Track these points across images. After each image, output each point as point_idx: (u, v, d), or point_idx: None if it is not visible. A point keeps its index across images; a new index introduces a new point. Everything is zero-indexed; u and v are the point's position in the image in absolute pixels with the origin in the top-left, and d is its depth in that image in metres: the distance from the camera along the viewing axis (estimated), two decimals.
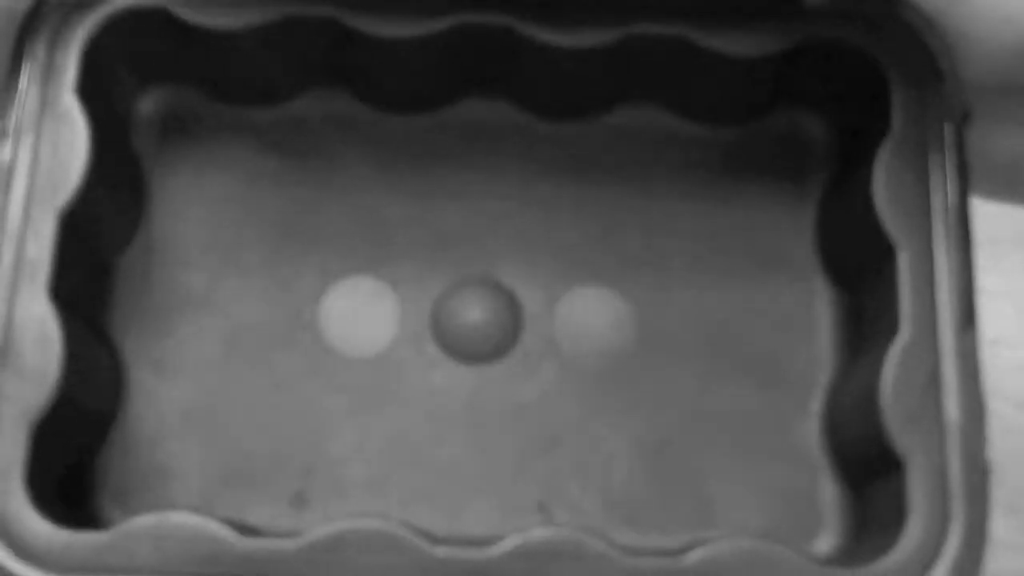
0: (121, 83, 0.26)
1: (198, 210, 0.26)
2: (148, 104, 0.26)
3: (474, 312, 0.25)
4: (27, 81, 0.23)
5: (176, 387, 0.25)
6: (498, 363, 0.25)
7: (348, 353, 0.25)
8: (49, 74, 0.23)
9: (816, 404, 0.25)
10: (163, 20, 0.24)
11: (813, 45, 0.24)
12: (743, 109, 0.26)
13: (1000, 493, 0.30)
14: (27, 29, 0.24)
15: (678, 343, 0.25)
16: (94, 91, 0.24)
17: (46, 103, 0.23)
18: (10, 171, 0.23)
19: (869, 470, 0.23)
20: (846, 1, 0.24)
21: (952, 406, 0.22)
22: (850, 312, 0.25)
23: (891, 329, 0.22)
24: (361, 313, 0.25)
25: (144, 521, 0.21)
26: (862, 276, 0.24)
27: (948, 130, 0.23)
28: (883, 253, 0.23)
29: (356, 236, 0.26)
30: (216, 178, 0.26)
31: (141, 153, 0.26)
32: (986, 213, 0.36)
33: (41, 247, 0.22)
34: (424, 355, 0.25)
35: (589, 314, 0.25)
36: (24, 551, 0.21)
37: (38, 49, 0.24)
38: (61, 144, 0.23)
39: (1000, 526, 0.29)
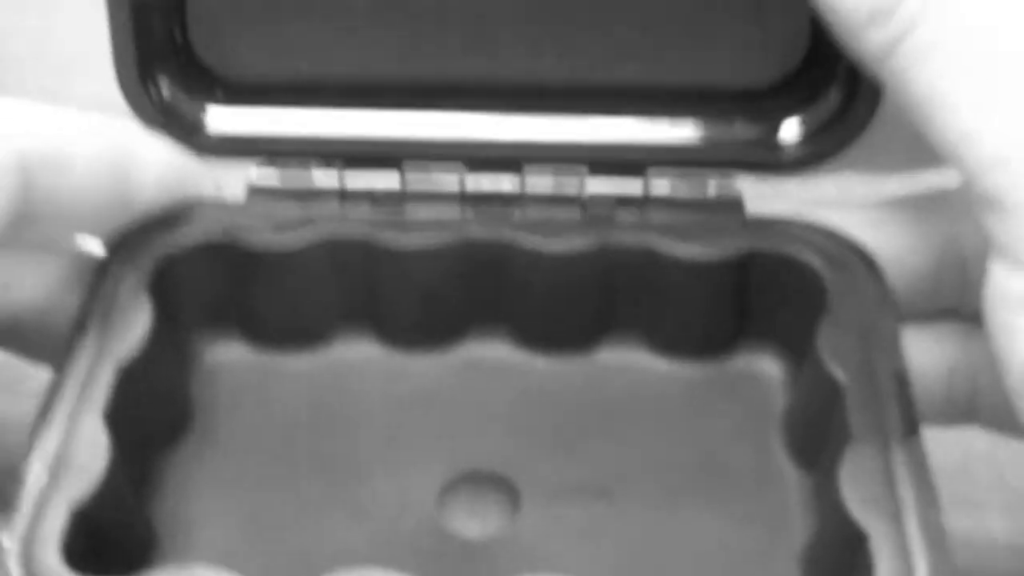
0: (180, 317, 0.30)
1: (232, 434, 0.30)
2: (200, 345, 0.31)
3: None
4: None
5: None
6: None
7: None
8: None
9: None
10: (224, 249, 0.30)
11: (760, 254, 0.29)
12: (710, 345, 0.31)
13: (1000, 494, 0.31)
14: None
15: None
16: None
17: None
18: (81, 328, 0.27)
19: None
20: (784, 220, 0.30)
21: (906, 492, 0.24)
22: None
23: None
24: None
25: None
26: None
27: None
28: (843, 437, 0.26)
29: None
30: (254, 412, 0.30)
31: (190, 380, 0.30)
32: None
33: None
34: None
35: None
36: None
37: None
38: (127, 319, 0.28)
39: (1000, 527, 0.30)
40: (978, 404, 0.30)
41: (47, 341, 0.30)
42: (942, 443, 0.31)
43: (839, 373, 0.27)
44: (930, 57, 0.23)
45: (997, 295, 0.24)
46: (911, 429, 0.26)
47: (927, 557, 0.23)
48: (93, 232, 0.30)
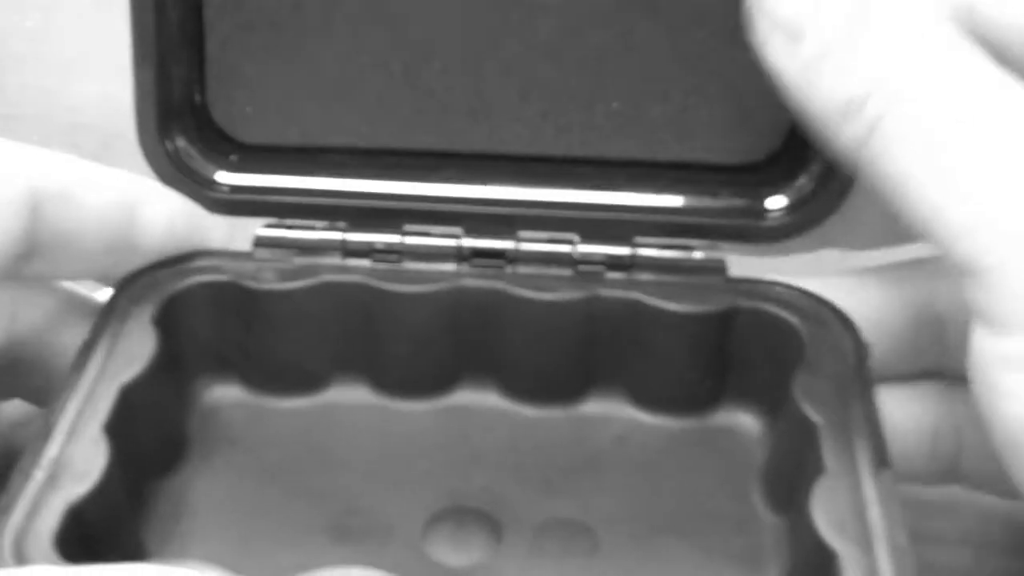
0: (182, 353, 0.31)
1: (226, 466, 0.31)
2: (199, 384, 0.32)
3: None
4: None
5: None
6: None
7: None
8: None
9: None
10: (229, 291, 0.31)
11: (741, 310, 0.31)
12: (692, 401, 0.32)
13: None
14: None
15: None
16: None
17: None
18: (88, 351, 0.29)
19: None
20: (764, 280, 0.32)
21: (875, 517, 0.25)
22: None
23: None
24: None
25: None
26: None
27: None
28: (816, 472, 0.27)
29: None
30: (248, 448, 0.31)
31: (189, 411, 0.32)
32: None
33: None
34: None
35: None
36: None
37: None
38: (132, 346, 0.29)
39: (999, 527, 0.32)
40: (962, 464, 0.31)
41: (43, 378, 0.31)
42: None
43: (813, 414, 0.28)
44: (898, 144, 0.25)
45: (980, 358, 0.25)
46: (881, 463, 0.27)
47: None
48: (97, 275, 0.32)
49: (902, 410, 0.31)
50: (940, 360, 0.31)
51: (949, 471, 0.31)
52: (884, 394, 0.30)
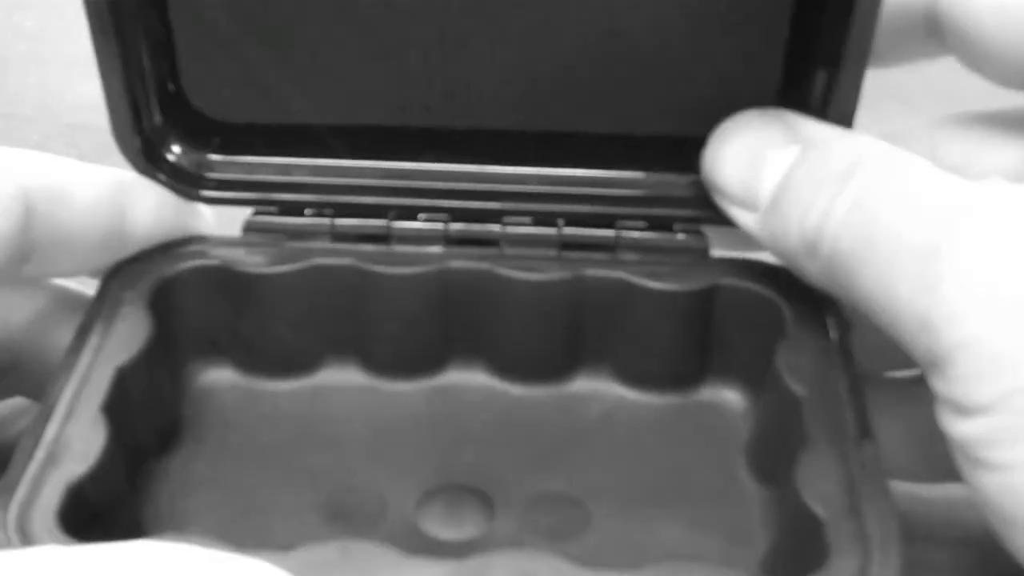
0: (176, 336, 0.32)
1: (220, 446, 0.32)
2: (192, 367, 0.33)
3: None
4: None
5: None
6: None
7: None
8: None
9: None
10: (221, 275, 0.32)
11: (723, 287, 0.32)
12: (677, 378, 0.33)
13: None
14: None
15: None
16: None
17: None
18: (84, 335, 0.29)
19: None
20: (746, 260, 0.32)
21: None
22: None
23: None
24: None
25: None
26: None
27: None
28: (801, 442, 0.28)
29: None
30: (242, 429, 0.32)
31: (183, 393, 0.32)
32: None
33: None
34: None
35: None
36: None
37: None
38: (127, 329, 0.30)
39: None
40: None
41: (41, 375, 0.31)
42: None
43: (796, 388, 0.29)
44: (856, 266, 0.28)
45: (953, 439, 0.27)
46: (864, 433, 0.27)
47: (880, 544, 0.25)
48: (91, 271, 0.32)
49: (899, 409, 0.32)
50: None
51: (948, 470, 0.32)
52: (880, 392, 0.31)
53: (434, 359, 0.33)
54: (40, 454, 0.26)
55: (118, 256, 0.32)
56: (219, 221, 0.34)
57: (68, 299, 0.33)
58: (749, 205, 0.30)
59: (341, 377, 0.33)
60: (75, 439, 0.27)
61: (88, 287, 0.33)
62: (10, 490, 0.25)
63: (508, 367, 0.33)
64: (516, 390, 0.33)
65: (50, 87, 0.51)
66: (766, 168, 0.30)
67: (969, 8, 0.30)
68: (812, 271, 0.29)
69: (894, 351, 0.32)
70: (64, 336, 0.31)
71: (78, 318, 0.31)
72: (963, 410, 0.26)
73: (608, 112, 0.33)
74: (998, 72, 0.31)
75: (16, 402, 0.34)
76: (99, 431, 0.27)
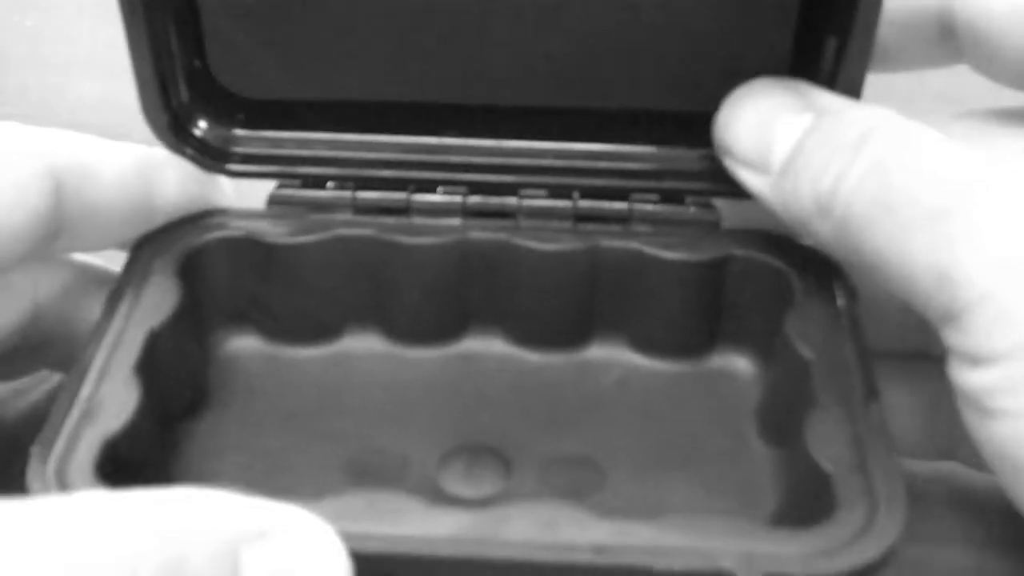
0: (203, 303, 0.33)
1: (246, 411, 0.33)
2: (218, 336, 0.34)
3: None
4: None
5: None
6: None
7: None
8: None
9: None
10: (246, 245, 0.33)
11: (735, 257, 0.33)
12: (689, 346, 0.34)
13: None
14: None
15: None
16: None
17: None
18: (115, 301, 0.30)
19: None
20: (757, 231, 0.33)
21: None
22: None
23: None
24: None
25: None
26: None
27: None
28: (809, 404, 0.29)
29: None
30: (267, 394, 0.33)
31: (209, 360, 0.33)
32: None
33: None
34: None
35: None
36: None
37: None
38: (157, 295, 0.31)
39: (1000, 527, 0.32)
40: (957, 442, 0.33)
41: (66, 348, 0.32)
42: None
43: (805, 351, 0.30)
44: (869, 227, 0.28)
45: (964, 391, 0.28)
46: (871, 394, 0.28)
47: (886, 498, 0.26)
48: (118, 244, 0.33)
49: (900, 384, 0.33)
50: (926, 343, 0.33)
51: (946, 448, 0.33)
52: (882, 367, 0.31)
53: (453, 327, 0.34)
54: (76, 411, 0.27)
55: (145, 229, 0.33)
56: (239, 197, 0.35)
57: (93, 275, 0.34)
58: (761, 168, 0.31)
59: (363, 344, 0.34)
60: (109, 397, 0.28)
61: (113, 263, 0.34)
62: (48, 445, 0.26)
63: (525, 335, 0.34)
64: (533, 357, 0.34)
65: (50, 87, 0.51)
66: (779, 132, 0.31)
67: (983, 9, 0.31)
68: (823, 233, 0.30)
69: (891, 328, 0.33)
70: (89, 311, 0.32)
71: (101, 292, 0.32)
72: (977, 360, 0.27)
73: (621, 88, 0.34)
74: (1012, 74, 0.32)
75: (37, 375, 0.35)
76: (132, 390, 0.28)
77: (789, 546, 0.24)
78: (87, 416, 0.27)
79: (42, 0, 0.56)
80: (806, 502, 0.28)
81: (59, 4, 0.55)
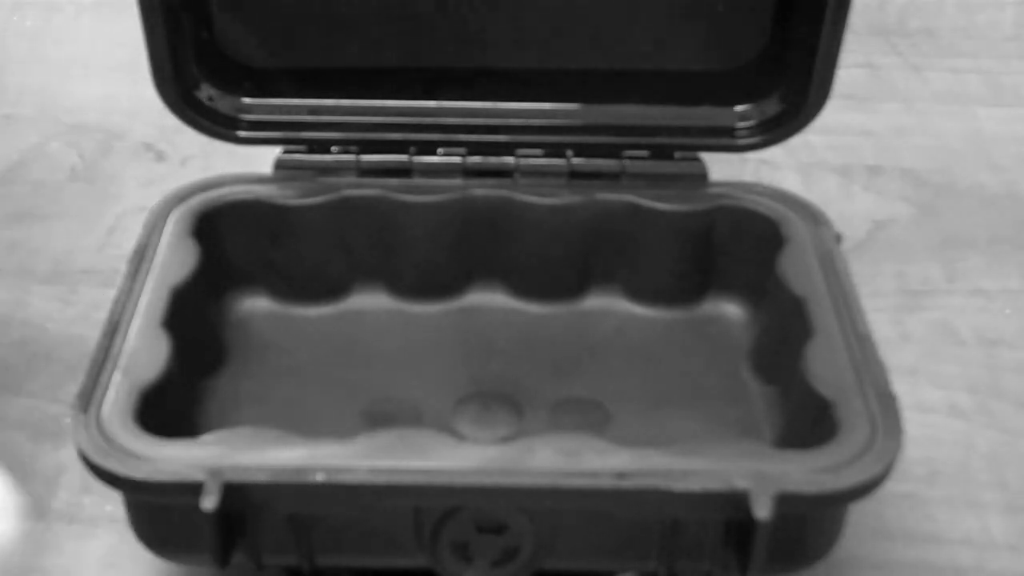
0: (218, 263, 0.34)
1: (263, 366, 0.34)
2: (232, 298, 0.35)
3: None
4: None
5: None
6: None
7: None
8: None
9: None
10: (257, 207, 0.34)
11: (725, 208, 0.34)
12: (682, 295, 0.36)
13: (1000, 494, 0.34)
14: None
15: None
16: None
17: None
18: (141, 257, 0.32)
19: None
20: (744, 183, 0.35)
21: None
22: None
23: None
24: None
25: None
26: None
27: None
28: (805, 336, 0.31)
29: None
30: (282, 351, 0.35)
31: (226, 320, 0.35)
32: (986, 214, 0.40)
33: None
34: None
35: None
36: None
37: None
38: (176, 255, 0.32)
39: (1000, 527, 0.33)
40: None
41: None
42: (943, 443, 0.35)
43: (798, 289, 0.31)
44: None
45: None
46: (862, 325, 0.30)
47: (883, 420, 0.27)
48: None
49: None
50: None
51: None
52: None
53: (457, 282, 0.36)
54: (110, 364, 0.29)
55: None
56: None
57: None
58: None
59: (371, 301, 0.35)
60: (142, 350, 0.29)
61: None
62: (87, 396, 0.28)
63: (525, 287, 0.36)
64: (534, 308, 0.36)
65: (50, 87, 0.51)
66: None
67: None
68: None
69: None
70: None
71: None
72: None
73: (611, 50, 0.35)
74: None
75: None
76: (163, 343, 0.29)
77: (798, 465, 0.26)
78: (122, 368, 0.28)
79: (42, 0, 0.56)
80: (803, 431, 0.29)
81: (59, 4, 0.56)
